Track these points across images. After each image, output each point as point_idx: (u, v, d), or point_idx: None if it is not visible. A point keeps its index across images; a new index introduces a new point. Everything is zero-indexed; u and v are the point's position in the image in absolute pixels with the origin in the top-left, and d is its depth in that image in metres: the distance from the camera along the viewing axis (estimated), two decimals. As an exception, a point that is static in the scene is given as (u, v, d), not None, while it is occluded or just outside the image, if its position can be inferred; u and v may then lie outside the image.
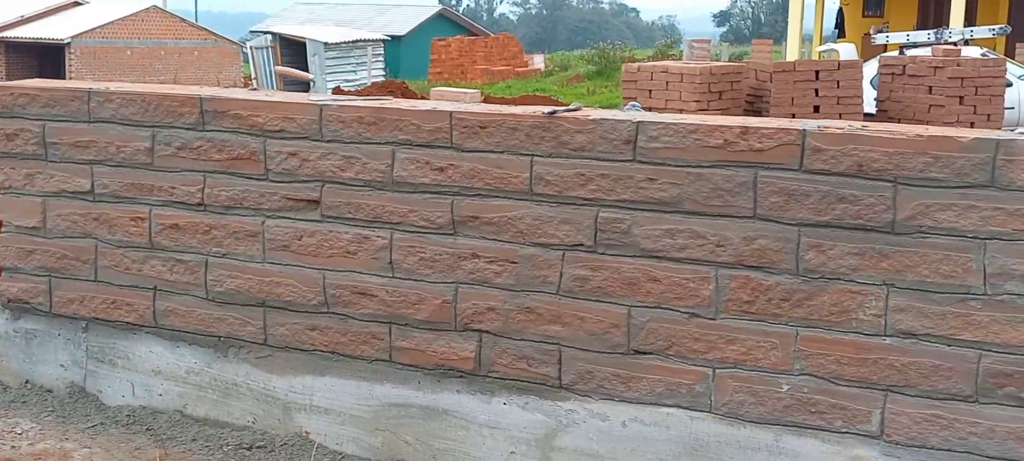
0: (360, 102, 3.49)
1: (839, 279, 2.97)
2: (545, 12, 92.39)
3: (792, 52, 30.00)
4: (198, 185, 3.71)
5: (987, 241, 2.81)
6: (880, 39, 24.00)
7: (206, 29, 47.73)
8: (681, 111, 16.41)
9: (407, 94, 21.54)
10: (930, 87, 16.64)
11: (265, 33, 37.27)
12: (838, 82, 15.68)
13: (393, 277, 3.49)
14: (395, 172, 3.43)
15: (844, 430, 3.03)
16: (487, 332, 3.41)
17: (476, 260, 3.39)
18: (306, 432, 3.69)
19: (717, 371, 3.15)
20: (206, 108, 3.66)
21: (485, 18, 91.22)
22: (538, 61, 49.88)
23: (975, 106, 16.45)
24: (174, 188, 3.75)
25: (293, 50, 36.15)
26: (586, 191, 3.22)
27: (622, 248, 3.20)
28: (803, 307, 3.03)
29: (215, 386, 3.82)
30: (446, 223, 3.40)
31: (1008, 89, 17.69)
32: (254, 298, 3.70)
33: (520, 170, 3.29)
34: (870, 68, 18.46)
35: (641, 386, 3.24)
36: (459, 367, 3.47)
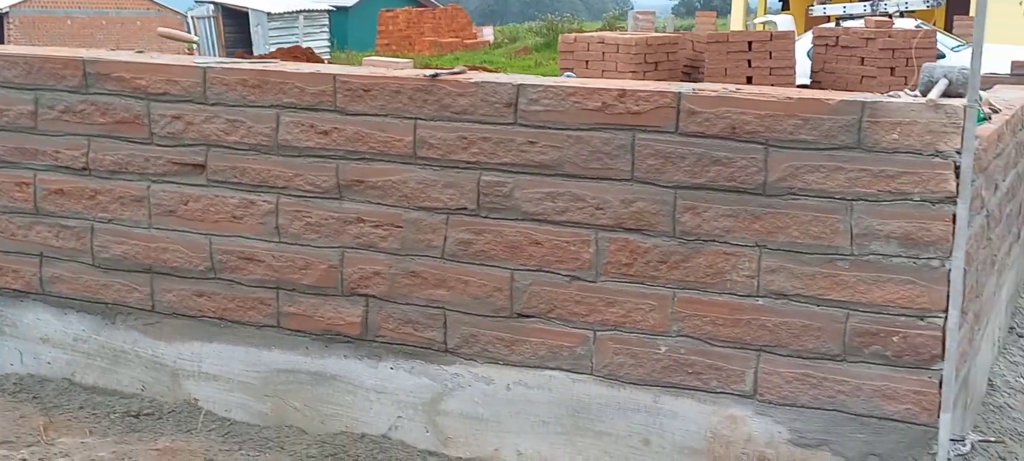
0: (244, 65, 3.45)
1: (714, 241, 3.00)
2: None
3: (736, 24, 30.13)
4: (82, 149, 3.64)
5: (854, 202, 2.84)
6: (818, 11, 24.16)
7: None
8: (618, 83, 16.35)
9: (312, 60, 21.33)
10: (862, 58, 16.81)
11: (208, 2, 36.71)
12: (770, 53, 15.79)
13: (280, 242, 3.46)
14: (280, 136, 3.40)
15: (719, 390, 3.06)
16: (373, 297, 3.40)
17: (362, 224, 3.37)
18: (195, 399, 3.65)
19: (598, 334, 3.17)
20: (89, 71, 3.59)
21: None
22: (487, 33, 49.59)
23: (906, 77, 16.65)
24: (58, 152, 3.68)
25: (236, 20, 35.66)
26: (469, 154, 3.21)
27: (504, 212, 3.20)
28: (680, 269, 3.05)
29: (104, 354, 3.77)
30: (331, 187, 3.37)
31: (941, 61, 17.96)
32: (141, 264, 3.65)
33: (404, 134, 3.27)
34: (808, 40, 18.61)
35: (524, 349, 3.25)
36: (346, 332, 3.45)
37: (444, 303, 3.32)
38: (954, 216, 2.75)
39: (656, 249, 3.06)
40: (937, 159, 2.75)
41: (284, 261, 3.46)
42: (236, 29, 35.33)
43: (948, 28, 25.70)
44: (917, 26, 19.37)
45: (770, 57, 15.93)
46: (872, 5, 22.66)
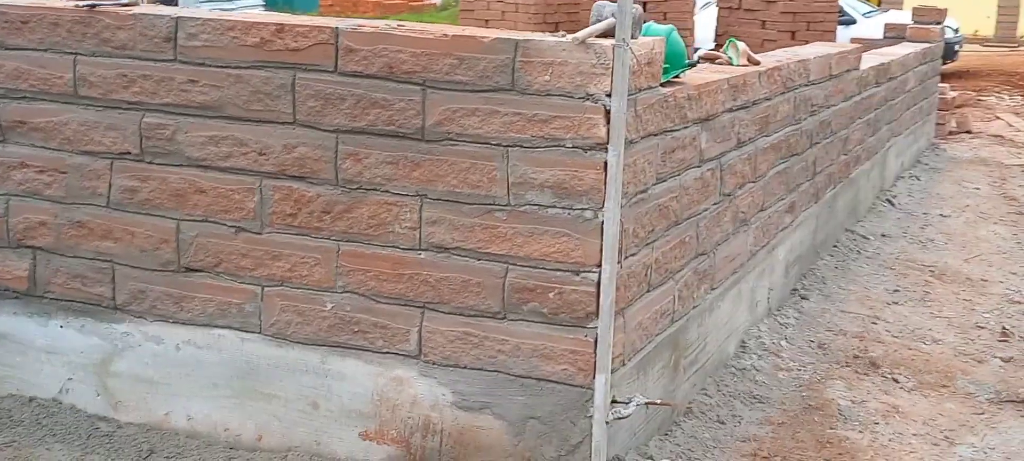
0: (-100, -6, 3.15)
1: (376, 190, 2.80)
2: None
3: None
4: None
5: (510, 149, 2.66)
6: None
7: None
8: (516, 44, 16.24)
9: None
10: (763, 21, 16.83)
11: None
12: (665, 13, 15.71)
13: (-57, 188, 3.18)
14: (-63, 72, 3.11)
15: (385, 350, 2.87)
16: (41, 249, 3.14)
17: (26, 170, 3.11)
18: None
19: (265, 289, 2.95)
20: None
21: None
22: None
23: (806, 40, 16.69)
24: None
25: None
26: (130, 94, 2.96)
27: (168, 157, 2.97)
28: (343, 220, 2.84)
29: None
30: (-7, 129, 3.10)
31: (852, 27, 17.97)
32: None
33: (64, 70, 3.01)
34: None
35: (194, 306, 3.03)
36: (14, 287, 3.19)
37: (112, 256, 3.08)
38: (606, 163, 2.58)
39: (320, 198, 2.85)
40: (588, 102, 2.58)
41: (-53, 209, 3.19)
42: None
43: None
44: None
45: (664, 18, 15.83)
46: None
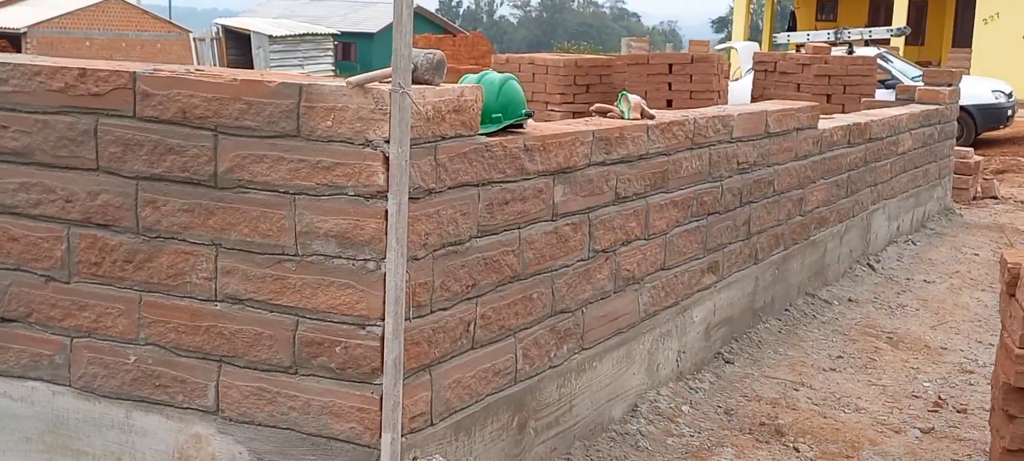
0: None
1: (174, 238, 2.71)
2: (545, 14, 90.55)
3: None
4: None
5: (296, 196, 2.56)
6: (781, 39, 23.89)
7: (168, 21, 46.66)
8: (547, 104, 16.38)
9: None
10: (798, 84, 16.62)
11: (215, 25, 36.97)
12: (691, 76, 15.61)
13: None
14: None
15: (186, 405, 2.76)
16: None
17: None
18: None
19: (74, 340, 2.87)
20: None
21: (485, 20, 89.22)
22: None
23: (844, 105, 16.41)
24: None
25: (239, 42, 35.69)
26: (-51, 140, 2.93)
27: (-16, 204, 2.92)
28: (144, 269, 2.76)
29: None
30: None
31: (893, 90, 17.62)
32: None
33: None
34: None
35: (9, 357, 2.95)
36: None
37: (-65, 305, 3.02)
38: (387, 212, 2.46)
39: (122, 247, 2.77)
40: (368, 149, 2.47)
41: None
42: (238, 51, 35.34)
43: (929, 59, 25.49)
44: (877, 55, 19.13)
45: (690, 80, 15.76)
46: (836, 34, 22.45)
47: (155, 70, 2.68)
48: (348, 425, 2.57)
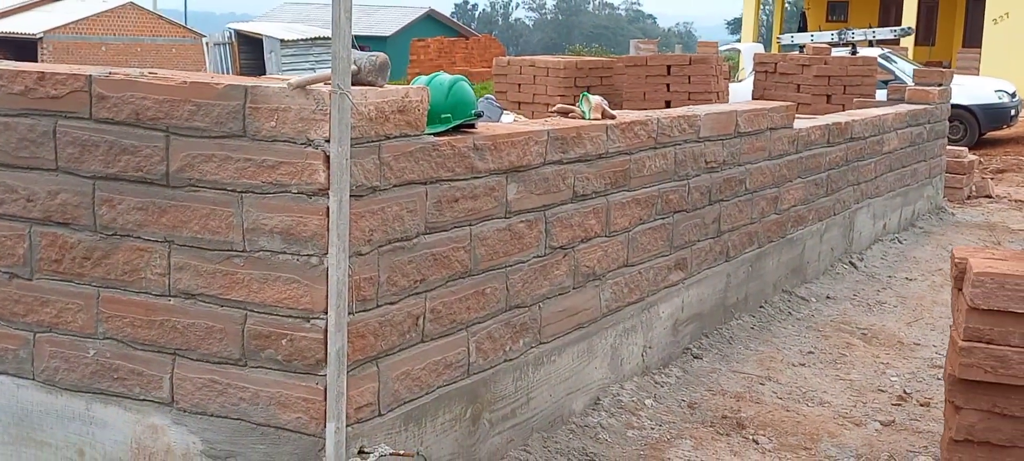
0: None
1: (129, 236, 2.81)
2: (560, 17, 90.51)
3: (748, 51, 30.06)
4: None
5: (243, 194, 2.65)
6: (786, 40, 23.91)
7: (183, 26, 46.91)
8: (547, 106, 16.48)
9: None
10: (798, 85, 16.66)
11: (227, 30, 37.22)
12: (689, 77, 15.67)
13: None
14: None
15: (142, 397, 2.85)
16: None
17: None
18: None
19: (37, 335, 2.97)
20: None
21: (500, 22, 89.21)
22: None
23: (843, 105, 16.44)
24: None
25: (251, 47, 35.92)
26: (-83, 143, 3.03)
27: (-49, 204, 3.02)
28: (102, 266, 2.85)
29: None
30: None
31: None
32: None
33: None
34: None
35: (-25, 352, 3.05)
36: None
37: (-94, 302, 3.12)
38: (328, 209, 2.55)
39: (81, 244, 2.87)
40: (309, 148, 2.56)
41: None
42: (251, 56, 35.56)
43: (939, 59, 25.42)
44: (880, 55, 19.15)
45: (689, 81, 15.83)
46: (840, 34, 22.47)
47: (110, 73, 2.78)
48: (294, 415, 2.66)
